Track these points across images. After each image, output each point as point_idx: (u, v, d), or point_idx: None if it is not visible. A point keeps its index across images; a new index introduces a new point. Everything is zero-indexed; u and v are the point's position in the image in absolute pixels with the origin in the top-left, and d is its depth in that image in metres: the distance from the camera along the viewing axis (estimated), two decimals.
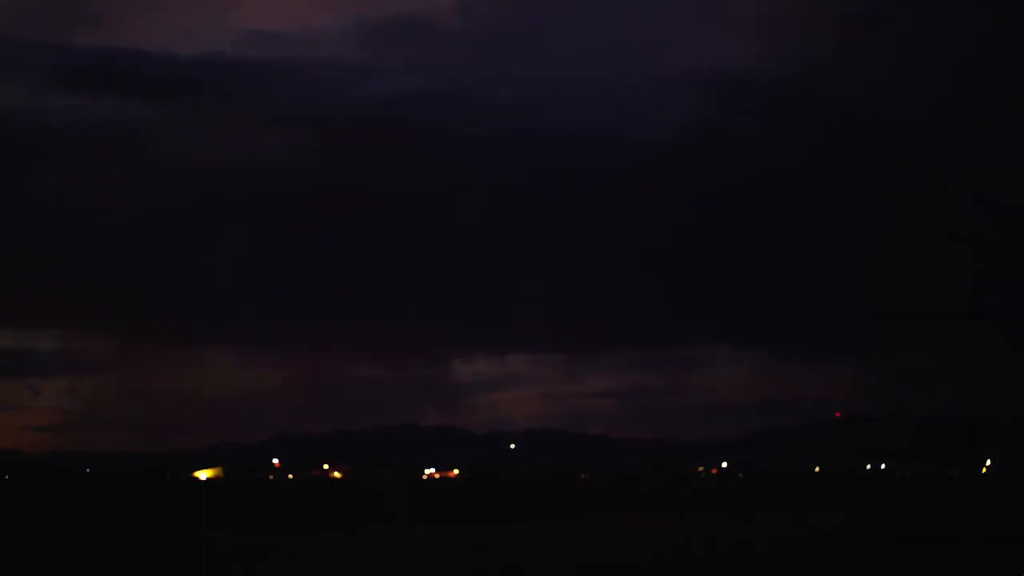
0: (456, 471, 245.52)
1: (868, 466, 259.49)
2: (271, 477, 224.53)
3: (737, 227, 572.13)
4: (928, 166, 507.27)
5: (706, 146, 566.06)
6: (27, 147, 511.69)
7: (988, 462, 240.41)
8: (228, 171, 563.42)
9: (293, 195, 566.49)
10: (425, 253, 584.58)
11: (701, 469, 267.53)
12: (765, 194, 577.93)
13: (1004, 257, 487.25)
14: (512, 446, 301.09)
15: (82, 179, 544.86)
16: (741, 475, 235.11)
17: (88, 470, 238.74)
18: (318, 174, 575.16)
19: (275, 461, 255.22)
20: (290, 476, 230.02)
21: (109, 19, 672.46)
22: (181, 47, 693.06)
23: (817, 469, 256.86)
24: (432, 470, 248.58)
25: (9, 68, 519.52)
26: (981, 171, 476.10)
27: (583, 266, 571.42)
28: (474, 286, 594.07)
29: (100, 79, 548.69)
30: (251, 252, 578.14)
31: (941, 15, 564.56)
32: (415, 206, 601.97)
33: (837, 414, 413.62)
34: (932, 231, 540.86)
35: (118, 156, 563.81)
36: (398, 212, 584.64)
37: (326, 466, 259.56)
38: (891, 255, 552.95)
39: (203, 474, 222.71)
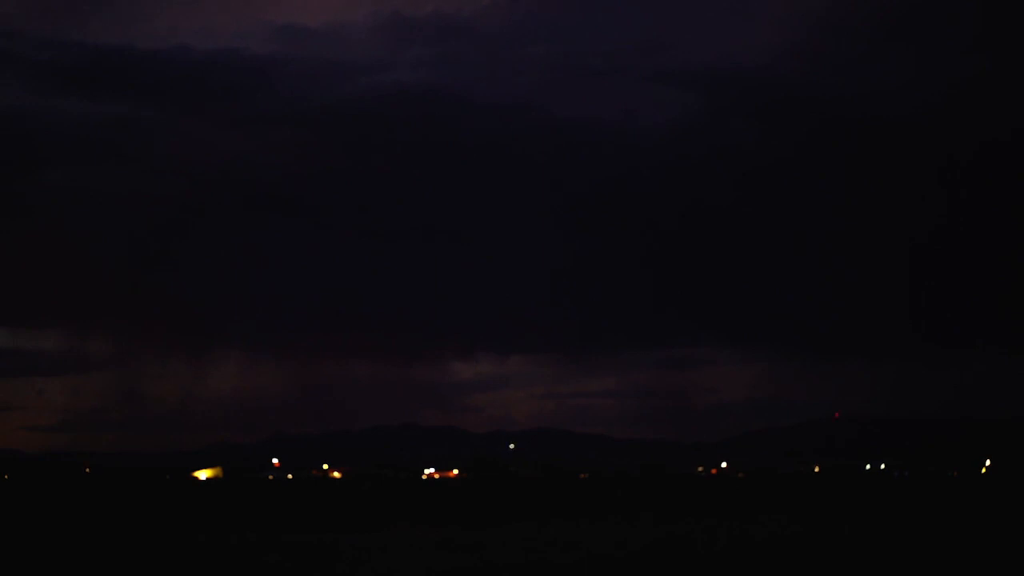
0: (456, 471, 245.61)
1: (868, 466, 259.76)
2: (271, 477, 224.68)
3: (737, 227, 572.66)
4: (927, 164, 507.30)
5: (707, 145, 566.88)
6: (28, 147, 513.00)
7: (987, 462, 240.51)
8: (229, 170, 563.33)
9: (293, 194, 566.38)
10: (425, 253, 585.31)
11: (701, 469, 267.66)
12: (766, 194, 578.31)
13: (1003, 260, 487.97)
14: (512, 446, 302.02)
15: (84, 179, 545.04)
16: (741, 474, 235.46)
17: (88, 469, 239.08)
18: (318, 173, 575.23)
19: (275, 461, 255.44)
20: (289, 476, 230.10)
21: (129, 15, 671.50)
22: (204, 42, 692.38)
23: (817, 469, 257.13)
24: (432, 470, 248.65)
25: (13, 65, 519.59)
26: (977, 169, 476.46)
27: (584, 267, 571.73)
28: (475, 286, 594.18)
29: (101, 78, 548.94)
30: (252, 252, 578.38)
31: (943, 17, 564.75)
32: (416, 205, 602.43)
33: (836, 415, 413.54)
34: (931, 232, 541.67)
35: (119, 156, 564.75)
36: (399, 211, 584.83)
37: (325, 466, 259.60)
38: (891, 256, 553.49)
39: (203, 473, 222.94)
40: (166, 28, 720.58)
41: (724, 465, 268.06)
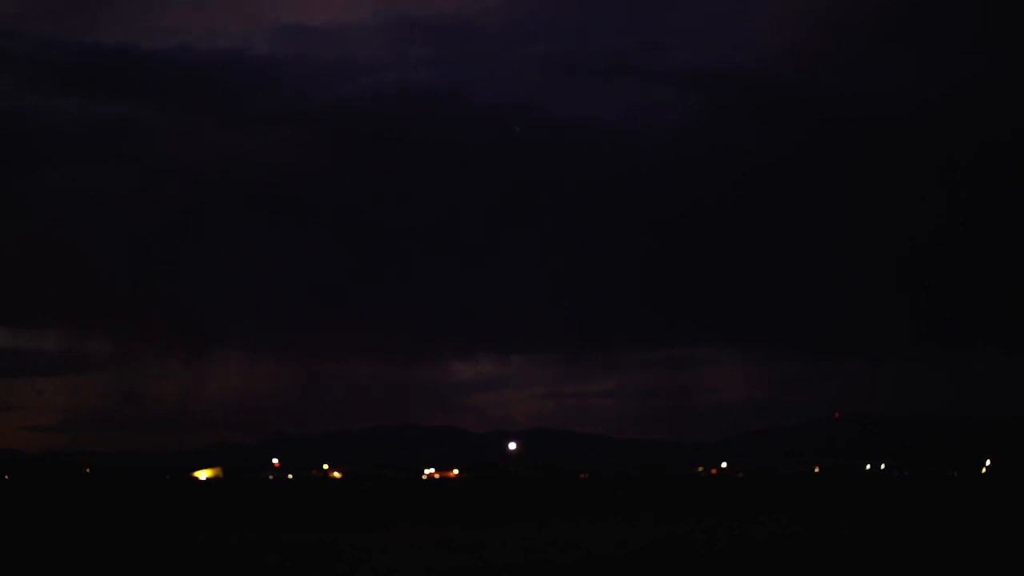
0: (456, 471, 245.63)
1: (868, 466, 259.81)
2: (271, 477, 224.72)
3: (737, 227, 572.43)
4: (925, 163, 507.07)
5: (707, 145, 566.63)
6: (28, 147, 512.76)
7: (988, 462, 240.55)
8: (229, 170, 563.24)
9: (293, 194, 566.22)
10: (425, 253, 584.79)
11: (701, 469, 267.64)
12: (766, 194, 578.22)
13: (1003, 260, 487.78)
14: (512, 446, 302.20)
15: (84, 179, 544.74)
16: (740, 474, 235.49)
17: (88, 469, 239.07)
18: (318, 173, 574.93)
19: (275, 461, 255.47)
20: (290, 476, 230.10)
21: (131, 15, 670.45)
22: (205, 42, 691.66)
23: (817, 469, 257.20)
24: (432, 470, 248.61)
25: (14, 65, 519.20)
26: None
27: (584, 267, 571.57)
28: (475, 286, 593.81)
29: (101, 78, 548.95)
30: (252, 252, 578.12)
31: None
32: (416, 205, 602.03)
33: (836, 415, 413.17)
34: (931, 233, 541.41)
35: (119, 156, 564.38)
36: (399, 211, 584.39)
37: (326, 466, 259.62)
38: (892, 256, 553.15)
39: (203, 474, 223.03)
40: (167, 28, 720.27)
41: (724, 465, 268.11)
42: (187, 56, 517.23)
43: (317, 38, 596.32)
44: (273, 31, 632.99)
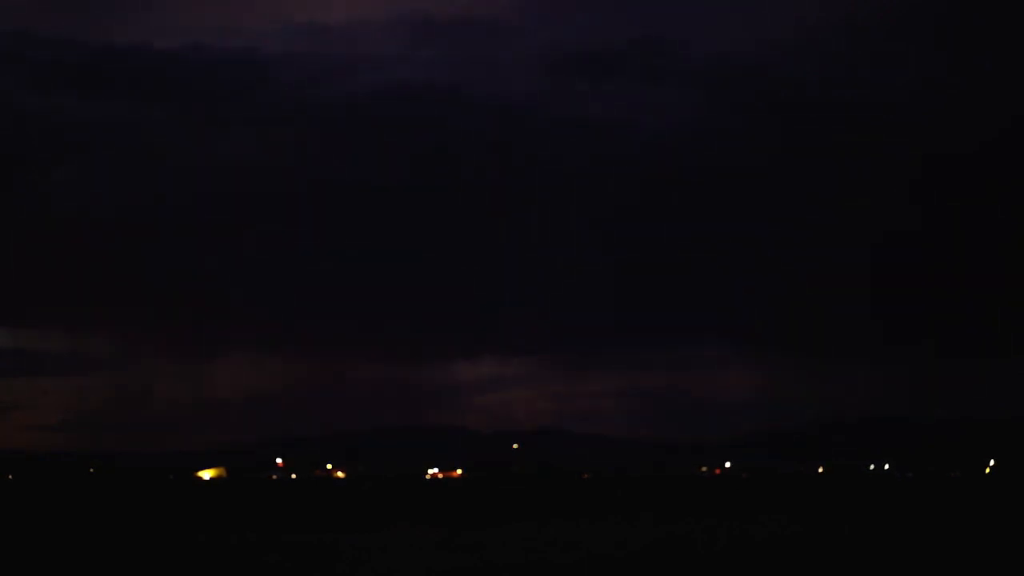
0: (459, 471, 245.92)
1: (872, 466, 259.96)
2: (274, 477, 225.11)
3: (737, 226, 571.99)
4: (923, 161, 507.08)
5: (707, 144, 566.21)
6: (31, 146, 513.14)
7: (992, 462, 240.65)
8: (233, 169, 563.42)
9: (295, 193, 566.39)
10: (427, 254, 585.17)
11: (704, 469, 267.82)
12: (765, 193, 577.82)
13: (1004, 260, 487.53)
14: (515, 446, 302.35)
15: (86, 178, 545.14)
16: (744, 474, 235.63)
17: (92, 469, 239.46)
18: (321, 172, 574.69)
19: (278, 461, 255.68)
20: (293, 476, 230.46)
21: (141, 13, 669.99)
22: (220, 40, 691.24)
23: (821, 469, 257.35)
24: (435, 470, 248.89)
25: (18, 64, 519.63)
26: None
27: (584, 267, 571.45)
28: (476, 288, 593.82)
29: (108, 76, 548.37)
30: (255, 251, 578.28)
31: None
32: (417, 205, 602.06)
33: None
34: (931, 233, 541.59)
35: (122, 156, 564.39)
36: (400, 212, 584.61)
37: (329, 466, 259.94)
38: (892, 256, 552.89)
39: (206, 474, 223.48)
40: (179, 27, 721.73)
41: (728, 465, 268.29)
42: (190, 55, 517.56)
43: (325, 36, 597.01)
44: (278, 30, 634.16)
